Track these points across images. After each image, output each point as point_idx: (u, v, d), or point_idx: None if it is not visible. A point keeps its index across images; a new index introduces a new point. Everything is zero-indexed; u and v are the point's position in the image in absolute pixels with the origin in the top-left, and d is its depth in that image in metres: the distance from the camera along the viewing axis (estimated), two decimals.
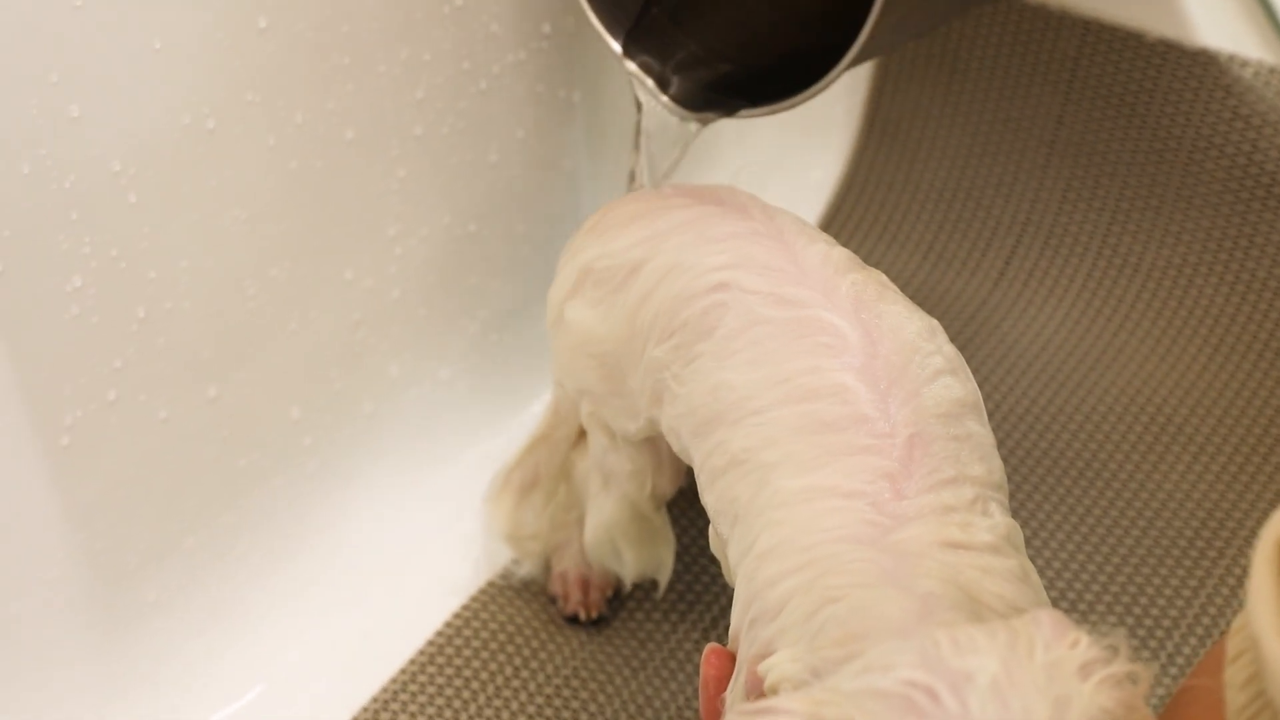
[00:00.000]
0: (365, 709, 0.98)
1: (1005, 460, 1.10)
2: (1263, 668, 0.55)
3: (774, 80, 0.93)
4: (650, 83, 0.96)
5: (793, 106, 0.92)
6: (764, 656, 0.66)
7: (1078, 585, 1.03)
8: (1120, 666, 0.58)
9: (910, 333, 0.77)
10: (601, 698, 0.99)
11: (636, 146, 0.97)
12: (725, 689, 0.71)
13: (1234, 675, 0.57)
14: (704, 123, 0.96)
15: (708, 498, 0.78)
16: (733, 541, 0.75)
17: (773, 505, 0.72)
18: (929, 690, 0.56)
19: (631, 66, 0.96)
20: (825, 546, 0.68)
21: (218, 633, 1.00)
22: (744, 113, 0.94)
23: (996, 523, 0.70)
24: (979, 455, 0.74)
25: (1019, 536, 0.72)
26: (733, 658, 0.72)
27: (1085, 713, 0.56)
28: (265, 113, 0.94)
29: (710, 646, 0.71)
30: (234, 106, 0.92)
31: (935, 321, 0.79)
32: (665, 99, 0.95)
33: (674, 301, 0.81)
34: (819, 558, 0.68)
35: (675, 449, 0.83)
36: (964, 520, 0.70)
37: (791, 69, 0.92)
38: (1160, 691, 0.97)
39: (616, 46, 0.96)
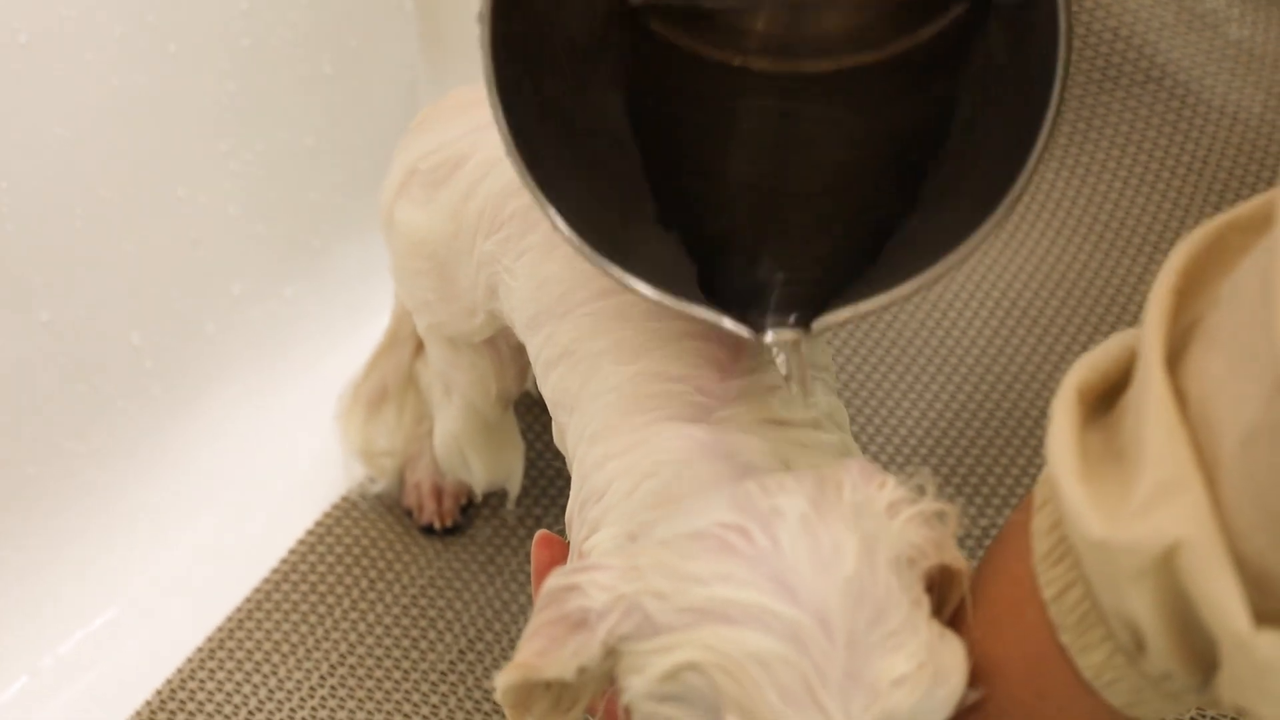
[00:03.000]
0: (220, 628, 0.98)
1: (855, 349, 1.11)
2: (1062, 511, 0.56)
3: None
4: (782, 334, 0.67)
5: (942, 276, 0.65)
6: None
7: (926, 470, 1.04)
8: (928, 505, 0.59)
9: None
10: (459, 604, 0.99)
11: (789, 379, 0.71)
12: None
13: (1039, 523, 0.58)
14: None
15: (545, 389, 0.78)
16: (569, 431, 0.75)
17: (603, 391, 0.72)
18: (740, 529, 0.56)
19: (770, 336, 0.67)
20: (649, 427, 0.69)
21: (66, 559, 0.99)
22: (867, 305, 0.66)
23: (819, 401, 0.71)
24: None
25: (843, 415, 0.73)
26: (565, 544, 0.72)
27: (894, 547, 0.57)
28: (81, 27, 0.92)
29: (540, 533, 0.71)
30: (47, 20, 0.90)
31: None
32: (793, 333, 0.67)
33: (500, 195, 0.81)
34: (643, 438, 0.68)
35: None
36: (787, 398, 0.70)
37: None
38: None
39: (745, 331, 0.67)
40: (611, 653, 0.57)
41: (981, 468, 1.04)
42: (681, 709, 0.55)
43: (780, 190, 0.74)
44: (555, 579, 0.58)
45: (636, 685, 0.56)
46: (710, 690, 0.54)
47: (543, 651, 0.57)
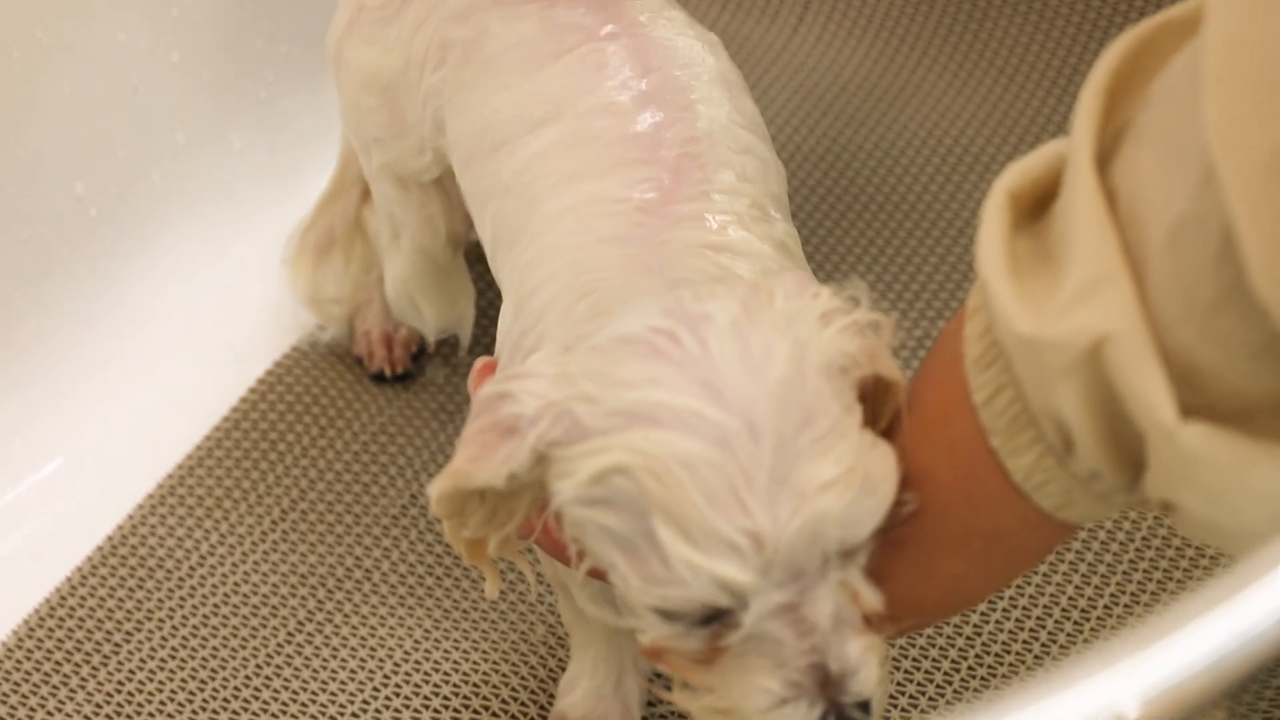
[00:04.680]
0: (170, 475, 0.98)
1: (807, 198, 1.10)
2: (991, 311, 0.55)
3: None
4: None
5: None
6: None
7: (860, 281, 1.03)
8: (862, 315, 0.59)
9: (685, 48, 0.76)
10: (410, 451, 0.99)
11: None
12: None
13: (971, 329, 0.58)
14: None
15: (484, 222, 0.77)
16: (507, 262, 0.74)
17: (544, 220, 0.72)
18: (670, 333, 0.56)
19: None
20: (589, 248, 0.68)
21: (13, 407, 0.98)
22: None
23: (770, 229, 0.70)
24: (754, 165, 0.73)
25: (796, 244, 0.72)
26: None
27: (825, 355, 0.57)
28: None
29: (481, 360, 0.71)
30: None
31: (714, 36, 0.78)
32: None
33: (444, 26, 0.80)
34: (581, 258, 0.68)
35: None
36: (738, 225, 0.69)
37: None
38: None
39: None
40: (542, 459, 0.56)
41: (932, 310, 1.04)
42: (609, 512, 0.55)
43: None
44: (489, 387, 0.58)
45: (565, 490, 0.56)
46: (637, 493, 0.54)
47: (474, 458, 0.57)
